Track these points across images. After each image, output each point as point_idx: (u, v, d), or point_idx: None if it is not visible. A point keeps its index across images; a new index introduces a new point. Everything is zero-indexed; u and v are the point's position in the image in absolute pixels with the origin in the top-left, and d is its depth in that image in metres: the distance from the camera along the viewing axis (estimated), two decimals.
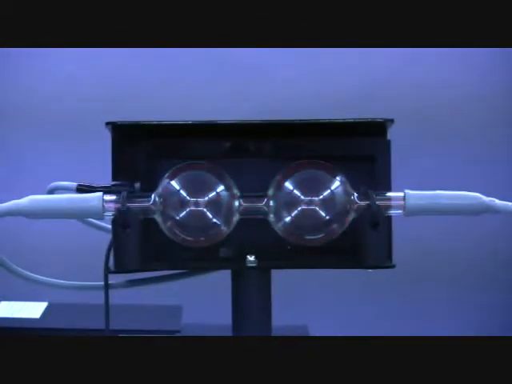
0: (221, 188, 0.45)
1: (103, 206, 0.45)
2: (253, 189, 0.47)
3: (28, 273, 0.56)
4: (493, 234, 1.05)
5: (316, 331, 0.70)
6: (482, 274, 1.08)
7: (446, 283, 1.08)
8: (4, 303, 0.76)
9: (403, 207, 0.46)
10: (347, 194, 0.46)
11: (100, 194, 0.45)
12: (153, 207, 0.45)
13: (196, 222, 0.45)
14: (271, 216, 0.46)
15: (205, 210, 0.45)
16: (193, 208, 0.45)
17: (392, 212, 0.46)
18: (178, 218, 0.45)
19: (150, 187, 0.46)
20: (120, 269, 0.46)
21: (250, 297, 0.49)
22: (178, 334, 0.68)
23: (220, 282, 0.50)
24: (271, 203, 0.46)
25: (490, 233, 1.04)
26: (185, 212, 0.45)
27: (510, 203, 0.46)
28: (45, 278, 0.57)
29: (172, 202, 0.45)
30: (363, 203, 0.46)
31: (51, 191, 0.49)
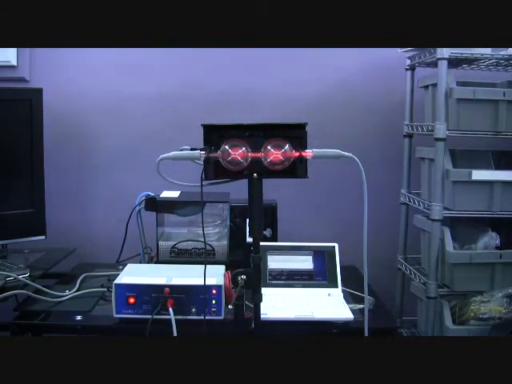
0: (243, 148, 1.21)
1: (200, 155, 1.23)
2: (257, 148, 1.23)
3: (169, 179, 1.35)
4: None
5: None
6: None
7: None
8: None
9: (312, 155, 1.22)
10: (291, 150, 1.21)
11: (199, 151, 1.23)
12: (219, 156, 1.22)
13: (233, 161, 1.21)
14: (263, 159, 1.22)
15: (237, 156, 1.21)
16: (232, 156, 1.21)
17: (307, 156, 1.22)
18: (227, 159, 1.21)
19: (218, 149, 1.22)
20: (207, 179, 1.25)
21: (254, 189, 1.25)
22: None
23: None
24: (263, 154, 1.22)
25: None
26: (230, 157, 1.21)
27: (347, 153, 1.21)
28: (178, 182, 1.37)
29: (225, 153, 1.21)
30: (297, 153, 1.21)
31: (181, 150, 1.28)
